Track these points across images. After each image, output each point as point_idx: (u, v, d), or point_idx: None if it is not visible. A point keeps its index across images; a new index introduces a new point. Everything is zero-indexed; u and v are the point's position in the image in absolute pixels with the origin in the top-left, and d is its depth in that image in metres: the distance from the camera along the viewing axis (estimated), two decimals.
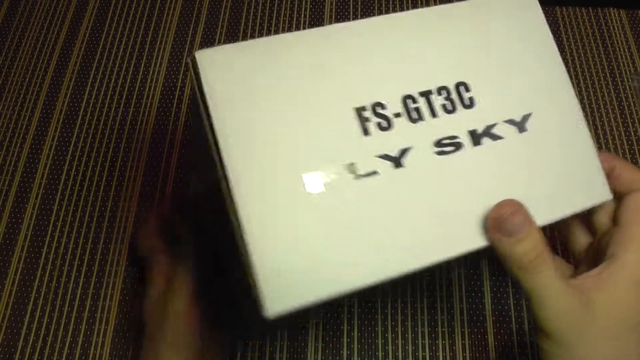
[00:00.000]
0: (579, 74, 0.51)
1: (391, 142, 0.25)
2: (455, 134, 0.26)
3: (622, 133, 0.48)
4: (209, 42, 0.51)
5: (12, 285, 0.41)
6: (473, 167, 0.25)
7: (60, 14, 0.52)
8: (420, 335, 0.40)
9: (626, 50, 0.52)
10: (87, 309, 0.40)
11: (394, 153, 0.25)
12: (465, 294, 0.41)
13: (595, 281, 0.26)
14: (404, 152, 0.25)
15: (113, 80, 0.49)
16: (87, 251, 0.42)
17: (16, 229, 0.43)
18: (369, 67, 0.26)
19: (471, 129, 0.26)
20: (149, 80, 0.49)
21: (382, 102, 0.25)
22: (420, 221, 0.24)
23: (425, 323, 0.40)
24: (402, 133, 0.25)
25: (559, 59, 0.28)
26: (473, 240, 0.25)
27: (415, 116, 0.25)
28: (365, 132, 0.25)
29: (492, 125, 0.26)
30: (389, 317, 0.41)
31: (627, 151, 0.47)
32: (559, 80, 0.28)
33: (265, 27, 0.52)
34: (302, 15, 0.53)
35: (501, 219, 0.24)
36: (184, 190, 0.44)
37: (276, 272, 0.22)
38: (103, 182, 0.44)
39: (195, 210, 0.38)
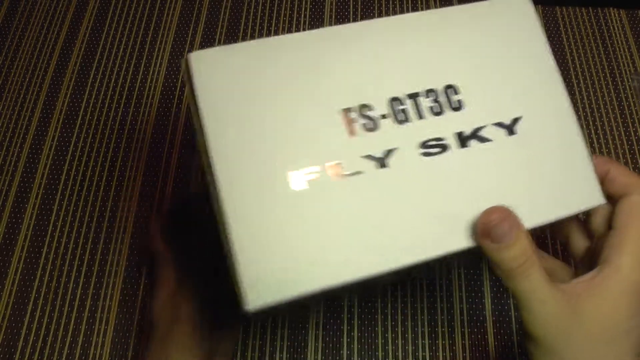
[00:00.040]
0: (579, 74, 0.51)
1: (376, 142, 0.25)
2: (441, 136, 0.26)
3: (622, 133, 0.48)
4: (209, 42, 0.51)
5: (12, 285, 0.41)
6: (460, 169, 0.25)
7: (60, 14, 0.52)
8: (420, 335, 0.40)
9: (626, 50, 0.52)
10: (87, 309, 0.40)
11: (378, 154, 0.25)
12: (465, 294, 0.41)
13: (587, 286, 0.26)
14: (389, 152, 0.25)
15: (113, 80, 0.49)
16: (87, 251, 0.42)
17: (16, 229, 0.43)
18: (357, 70, 0.26)
19: (458, 131, 0.26)
20: (149, 80, 0.49)
21: (369, 103, 0.26)
22: (404, 221, 0.24)
23: (425, 323, 0.40)
24: (388, 134, 0.25)
25: (553, 63, 0.28)
26: (458, 241, 0.25)
27: (401, 118, 0.26)
28: (351, 132, 0.25)
29: (480, 128, 0.26)
30: (389, 317, 0.41)
31: (627, 151, 0.47)
32: (551, 84, 0.28)
33: (265, 27, 0.52)
34: (302, 16, 0.53)
35: (489, 226, 0.24)
36: (184, 190, 0.44)
37: (258, 266, 0.23)
38: (103, 182, 0.44)
39: (196, 210, 0.38)
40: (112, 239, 0.42)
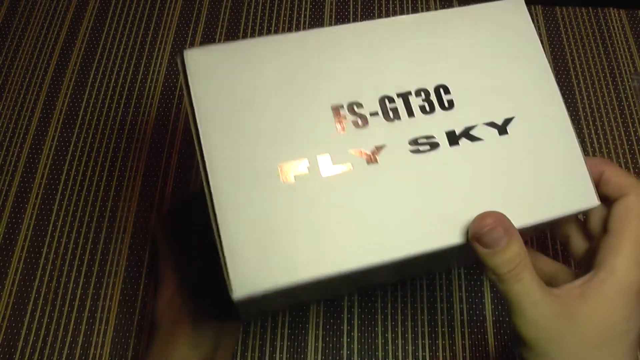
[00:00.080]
0: (579, 74, 0.51)
1: (366, 139, 0.26)
2: (431, 134, 0.26)
3: (622, 133, 0.48)
4: (209, 42, 0.51)
5: (12, 285, 0.41)
6: (450, 167, 0.26)
7: (60, 14, 0.52)
8: (420, 335, 0.40)
9: (626, 50, 0.52)
10: (87, 309, 0.40)
11: (367, 150, 0.25)
12: (465, 294, 0.41)
13: (582, 290, 0.26)
14: (378, 149, 0.25)
15: (113, 80, 0.49)
16: (87, 251, 0.42)
17: (16, 229, 0.43)
18: (349, 69, 0.27)
19: (448, 129, 0.26)
20: (149, 80, 0.49)
21: (359, 101, 0.26)
22: (392, 216, 0.25)
23: (425, 323, 0.40)
24: (377, 131, 0.26)
25: (547, 65, 0.28)
26: (446, 238, 0.25)
27: (391, 116, 0.26)
28: (341, 128, 0.26)
29: (471, 127, 0.26)
30: (389, 317, 0.41)
31: (627, 151, 0.47)
32: (545, 86, 0.28)
33: (265, 27, 0.52)
34: (302, 16, 0.53)
35: (483, 231, 0.24)
36: (184, 190, 0.44)
37: (245, 256, 0.23)
38: (103, 182, 0.44)
39: (196, 210, 0.38)
40: (112, 239, 0.42)
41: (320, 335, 0.40)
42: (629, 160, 0.47)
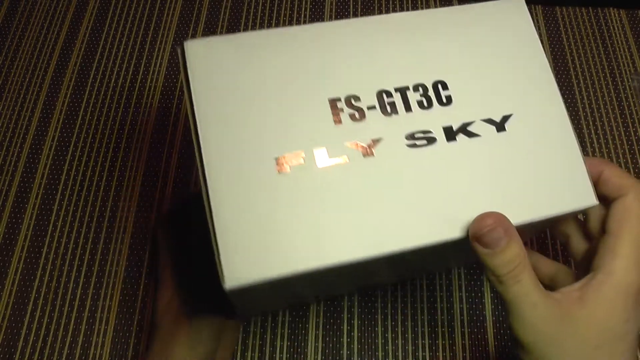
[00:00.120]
0: (579, 74, 0.51)
1: (362, 132, 0.26)
2: (428, 129, 0.26)
3: (622, 133, 0.48)
4: None
5: (12, 285, 0.41)
6: (446, 162, 0.26)
7: (60, 14, 0.52)
8: (420, 335, 0.40)
9: (626, 50, 0.52)
10: (87, 309, 0.40)
11: (364, 142, 0.25)
12: (465, 294, 0.41)
13: (581, 292, 0.25)
14: (374, 142, 0.25)
15: (113, 80, 0.49)
16: (87, 251, 0.42)
17: (16, 229, 0.43)
18: (347, 62, 0.27)
19: (446, 125, 0.26)
20: (149, 80, 0.49)
21: (357, 94, 0.26)
22: (386, 209, 0.24)
23: (425, 323, 0.40)
24: (374, 125, 0.26)
25: (546, 63, 0.28)
26: (441, 233, 0.25)
27: (389, 110, 0.26)
28: (338, 121, 0.26)
29: (469, 123, 0.26)
30: (389, 317, 0.41)
31: (627, 151, 0.47)
32: (544, 84, 0.28)
33: (265, 27, 0.52)
34: (302, 15, 0.53)
35: (483, 232, 0.24)
36: (184, 190, 0.44)
37: (238, 247, 0.23)
38: (103, 182, 0.44)
39: (196, 210, 0.38)
40: (112, 239, 0.42)
41: (320, 335, 0.40)
42: (629, 160, 0.47)
